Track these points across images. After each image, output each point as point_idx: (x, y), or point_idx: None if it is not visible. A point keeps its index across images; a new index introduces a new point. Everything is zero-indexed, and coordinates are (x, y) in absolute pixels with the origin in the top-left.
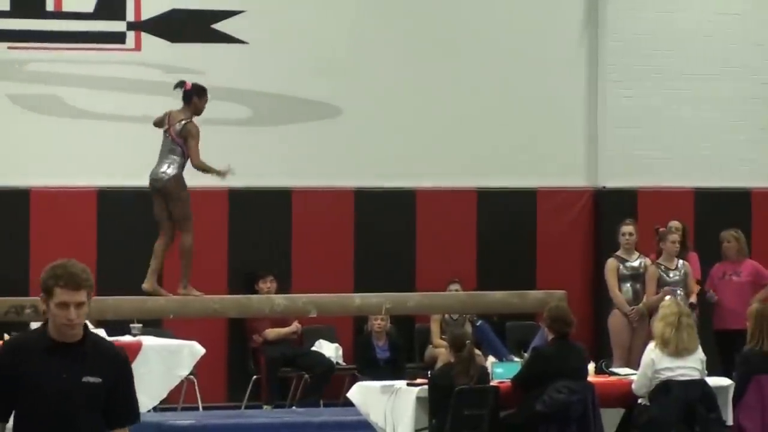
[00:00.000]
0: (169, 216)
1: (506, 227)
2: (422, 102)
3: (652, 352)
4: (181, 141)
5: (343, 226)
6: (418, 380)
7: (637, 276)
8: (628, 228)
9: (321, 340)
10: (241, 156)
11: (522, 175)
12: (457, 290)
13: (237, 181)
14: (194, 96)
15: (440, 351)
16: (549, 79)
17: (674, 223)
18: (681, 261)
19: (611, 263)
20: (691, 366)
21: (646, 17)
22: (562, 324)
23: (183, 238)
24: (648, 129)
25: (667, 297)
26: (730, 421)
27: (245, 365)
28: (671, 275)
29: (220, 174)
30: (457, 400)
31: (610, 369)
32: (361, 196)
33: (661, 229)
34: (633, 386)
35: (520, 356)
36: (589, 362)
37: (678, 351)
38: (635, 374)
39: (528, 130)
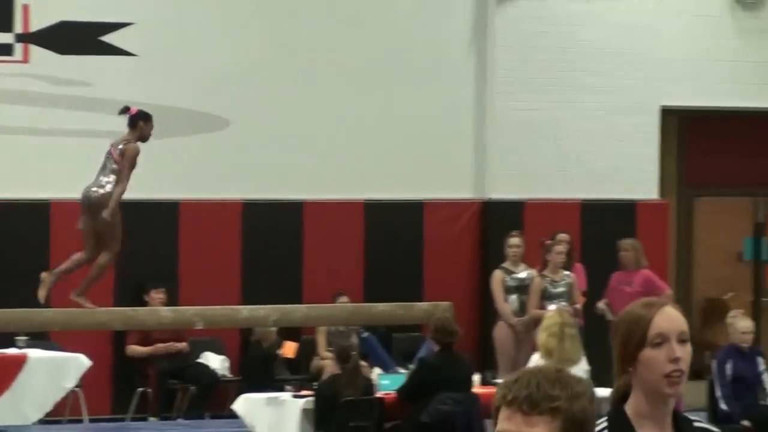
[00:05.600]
0: (95, 233)
1: (393, 239)
2: (310, 114)
3: (536, 362)
4: (120, 161)
5: (231, 239)
6: (304, 392)
7: (523, 287)
8: (514, 240)
9: (207, 352)
10: None
11: (409, 187)
12: (343, 302)
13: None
14: (140, 121)
15: (326, 363)
16: (437, 91)
17: (562, 236)
18: (566, 272)
19: (497, 275)
20: None
21: (536, 29)
22: (445, 334)
23: (103, 255)
24: (535, 141)
25: (551, 307)
26: None
27: (131, 377)
28: (556, 287)
29: (110, 217)
30: (342, 411)
31: (496, 380)
32: (249, 208)
33: (547, 242)
34: None
35: (406, 368)
36: (475, 373)
37: (561, 361)
38: None
39: (415, 141)
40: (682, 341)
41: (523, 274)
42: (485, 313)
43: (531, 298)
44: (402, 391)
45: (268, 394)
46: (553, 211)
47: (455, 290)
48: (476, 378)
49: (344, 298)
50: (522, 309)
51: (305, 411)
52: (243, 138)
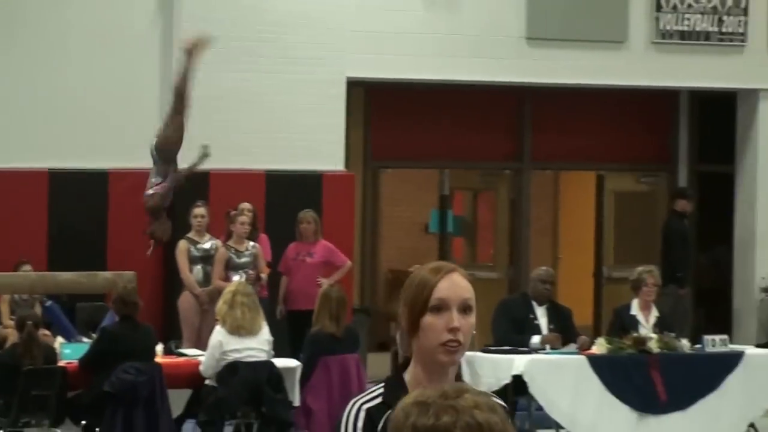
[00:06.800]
0: None
1: (78, 208)
2: None
3: (219, 333)
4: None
5: None
6: None
7: (207, 258)
8: (199, 210)
9: None
10: None
11: (95, 157)
12: (27, 271)
13: None
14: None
15: (9, 332)
16: (122, 61)
17: (244, 205)
18: (251, 243)
19: (182, 245)
20: (258, 347)
21: (223, 1)
22: (125, 305)
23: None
24: (221, 111)
25: (236, 278)
26: (297, 402)
27: None
28: (241, 257)
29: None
30: (23, 380)
31: (179, 350)
32: None
33: (232, 212)
34: (200, 367)
35: (90, 337)
36: (158, 343)
37: (234, 329)
38: (204, 355)
39: (101, 110)
40: (464, 311)
41: (207, 245)
42: (170, 282)
43: (215, 268)
44: (83, 360)
45: None
46: (238, 182)
47: (140, 259)
48: (159, 348)
49: (27, 267)
50: (207, 279)
51: None
52: None
